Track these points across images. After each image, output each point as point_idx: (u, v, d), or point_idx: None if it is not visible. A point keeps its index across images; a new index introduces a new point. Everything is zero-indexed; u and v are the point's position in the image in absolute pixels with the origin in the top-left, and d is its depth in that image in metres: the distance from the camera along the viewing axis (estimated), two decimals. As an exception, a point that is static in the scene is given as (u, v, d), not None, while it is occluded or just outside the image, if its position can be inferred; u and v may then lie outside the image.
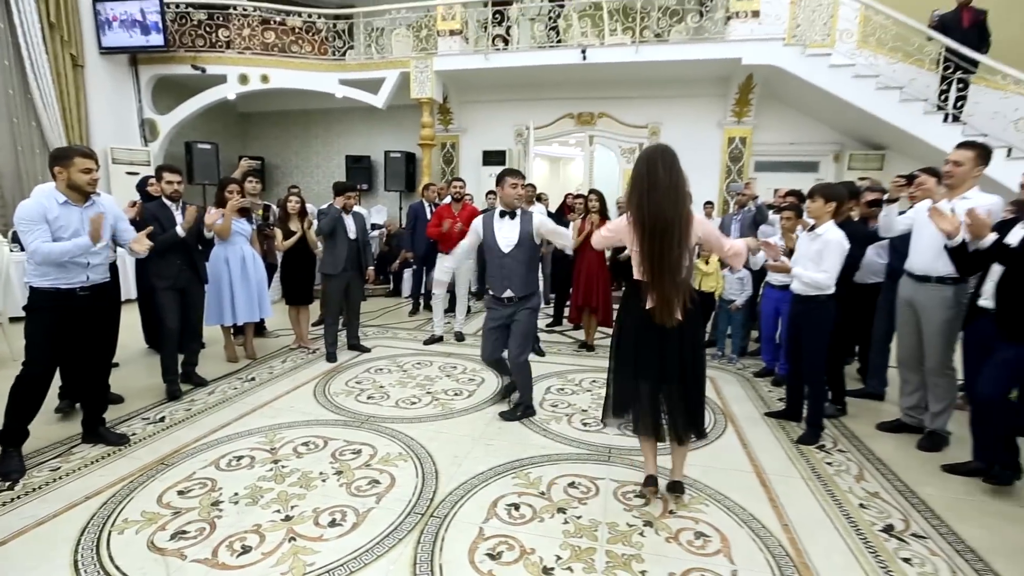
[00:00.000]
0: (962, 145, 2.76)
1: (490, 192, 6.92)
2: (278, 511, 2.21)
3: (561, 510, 2.26)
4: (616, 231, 2.25)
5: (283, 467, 2.59)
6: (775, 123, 7.58)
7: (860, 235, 3.29)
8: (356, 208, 4.63)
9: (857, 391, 3.66)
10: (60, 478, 2.47)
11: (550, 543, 2.03)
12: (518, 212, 3.14)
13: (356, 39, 8.07)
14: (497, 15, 7.39)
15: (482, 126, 8.59)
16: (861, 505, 2.36)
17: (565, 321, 5.57)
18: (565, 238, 3.35)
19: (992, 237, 2.36)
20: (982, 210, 2.40)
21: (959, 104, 6.16)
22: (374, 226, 7.93)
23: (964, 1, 6.03)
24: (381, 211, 8.99)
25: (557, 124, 8.40)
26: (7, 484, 2.40)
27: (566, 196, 6.94)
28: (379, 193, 9.27)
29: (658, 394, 2.22)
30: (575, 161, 13.63)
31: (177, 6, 7.66)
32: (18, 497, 2.31)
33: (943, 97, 6.23)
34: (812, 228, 2.98)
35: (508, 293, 3.10)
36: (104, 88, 7.49)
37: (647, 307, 2.10)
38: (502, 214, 3.14)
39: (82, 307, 2.62)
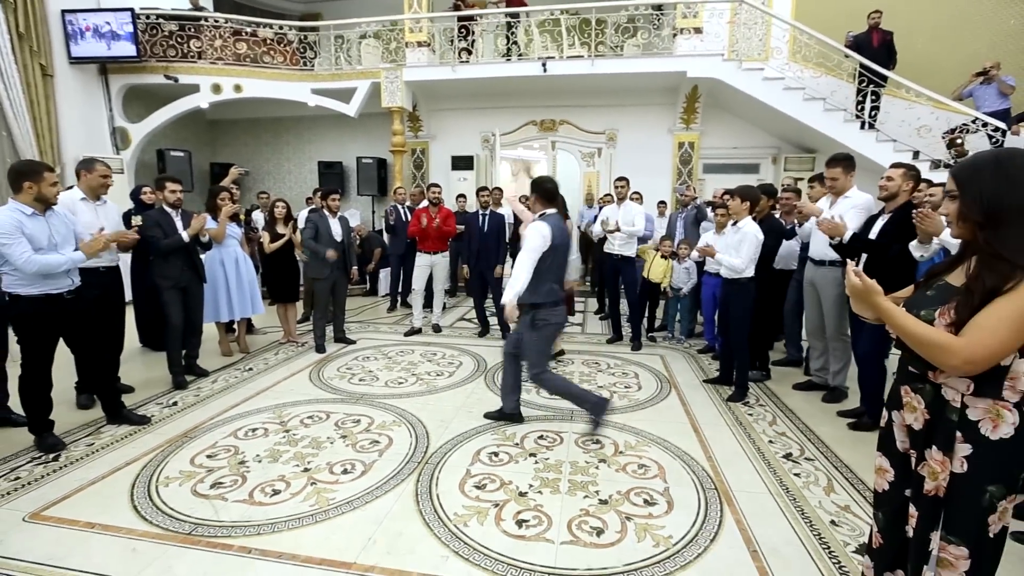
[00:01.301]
0: (830, 162, 3.42)
1: (460, 195, 7.42)
2: (297, 465, 2.65)
3: (532, 455, 2.78)
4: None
5: (294, 435, 3.01)
6: (720, 129, 8.33)
7: (776, 230, 3.95)
8: (340, 212, 5.04)
9: (781, 360, 4.33)
10: (97, 451, 2.83)
11: (524, 477, 2.54)
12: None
13: (325, 50, 8.39)
14: (463, 28, 7.88)
15: (450, 133, 9.05)
16: (770, 442, 2.97)
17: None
18: None
19: (849, 234, 3.00)
20: (847, 210, 3.10)
21: (873, 113, 7.01)
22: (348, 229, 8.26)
23: (873, 24, 6.89)
24: (354, 215, 9.32)
25: (521, 131, 8.94)
26: (52, 456, 2.76)
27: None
28: (352, 197, 9.59)
29: None
30: (540, 164, 14.23)
31: (148, 17, 7.81)
32: (63, 467, 2.67)
33: (860, 107, 7.07)
34: (735, 223, 3.60)
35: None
36: (74, 97, 7.57)
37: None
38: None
39: (72, 308, 2.82)
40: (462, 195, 7.41)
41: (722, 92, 7.56)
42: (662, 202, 7.49)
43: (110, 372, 3.25)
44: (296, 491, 2.40)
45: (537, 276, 2.87)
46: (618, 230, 4.76)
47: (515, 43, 8.00)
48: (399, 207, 6.50)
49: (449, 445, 2.88)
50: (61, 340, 2.89)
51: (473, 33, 7.97)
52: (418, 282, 5.36)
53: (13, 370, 3.01)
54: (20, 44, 6.89)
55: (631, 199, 5.07)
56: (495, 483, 2.48)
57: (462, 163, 8.87)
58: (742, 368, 3.64)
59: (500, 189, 6.79)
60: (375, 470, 2.61)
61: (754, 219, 3.57)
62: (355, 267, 5.16)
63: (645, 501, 2.35)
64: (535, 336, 2.95)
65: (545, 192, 3.03)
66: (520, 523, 2.17)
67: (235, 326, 4.85)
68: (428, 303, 5.92)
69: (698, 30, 7.40)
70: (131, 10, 7.44)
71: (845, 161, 3.36)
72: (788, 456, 2.80)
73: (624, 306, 5.20)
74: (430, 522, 2.18)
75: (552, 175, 9.36)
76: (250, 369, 4.28)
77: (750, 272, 3.46)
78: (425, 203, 5.74)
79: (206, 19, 8.06)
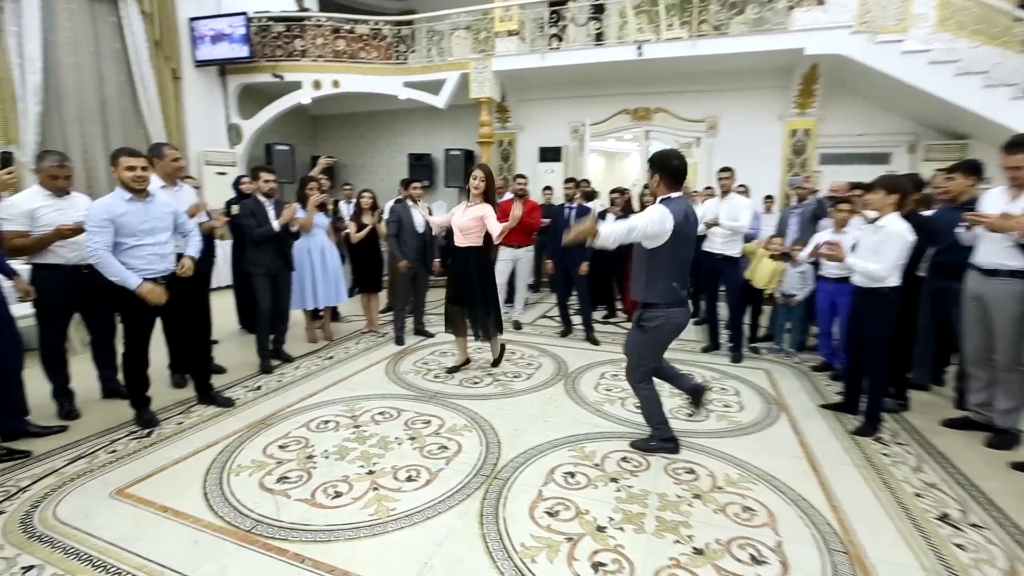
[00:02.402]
0: (1013, 147, 2.67)
1: (546, 188, 7.14)
2: (362, 466, 2.54)
3: (614, 480, 2.45)
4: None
5: (364, 431, 2.92)
6: (842, 114, 7.31)
7: (928, 229, 3.23)
8: (422, 203, 4.97)
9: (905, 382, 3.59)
10: (185, 430, 2.93)
11: (604, 507, 2.23)
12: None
13: (418, 43, 8.47)
14: (553, 15, 7.56)
15: (539, 123, 8.79)
16: (916, 494, 2.39)
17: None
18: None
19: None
20: None
21: (1052, 89, 5.74)
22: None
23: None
24: (441, 207, 9.39)
25: (613, 120, 8.46)
26: (146, 432, 2.89)
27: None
28: (439, 189, 9.68)
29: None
30: (631, 156, 13.58)
31: (259, 20, 8.33)
32: (154, 444, 2.77)
33: (1033, 82, 5.82)
34: (874, 220, 2.98)
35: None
36: (198, 97, 8.27)
37: None
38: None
39: (168, 292, 2.88)
40: (548, 187, 7.13)
41: (847, 71, 6.59)
42: (769, 197, 6.72)
43: (197, 354, 3.33)
44: (357, 496, 2.28)
45: (651, 271, 2.47)
46: (716, 224, 4.23)
47: (608, 27, 7.54)
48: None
49: (522, 459, 2.62)
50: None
51: (564, 19, 7.62)
52: (500, 276, 5.15)
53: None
54: (156, 51, 7.62)
55: (736, 192, 4.50)
56: (570, 511, 2.19)
57: (550, 154, 8.58)
58: (875, 395, 3.02)
59: (588, 181, 6.45)
60: (440, 480, 2.42)
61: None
62: (437, 259, 5.06)
63: (752, 558, 1.93)
64: (639, 338, 2.60)
65: (672, 171, 2.45)
66: (596, 566, 1.86)
67: (321, 314, 4.96)
68: (509, 298, 5.73)
69: (820, 0, 6.49)
70: (244, 14, 7.96)
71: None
72: (944, 518, 2.21)
73: (724, 311, 4.65)
74: (494, 551, 1.93)
75: (644, 168, 8.79)
76: (331, 357, 4.33)
77: (894, 280, 2.84)
78: (509, 195, 5.54)
79: (309, 19, 8.45)
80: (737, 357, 4.34)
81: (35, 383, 2.98)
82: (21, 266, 3.07)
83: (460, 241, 3.75)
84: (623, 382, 3.74)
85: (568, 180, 5.07)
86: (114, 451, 2.70)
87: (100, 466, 2.55)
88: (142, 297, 2.75)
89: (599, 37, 7.52)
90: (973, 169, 3.26)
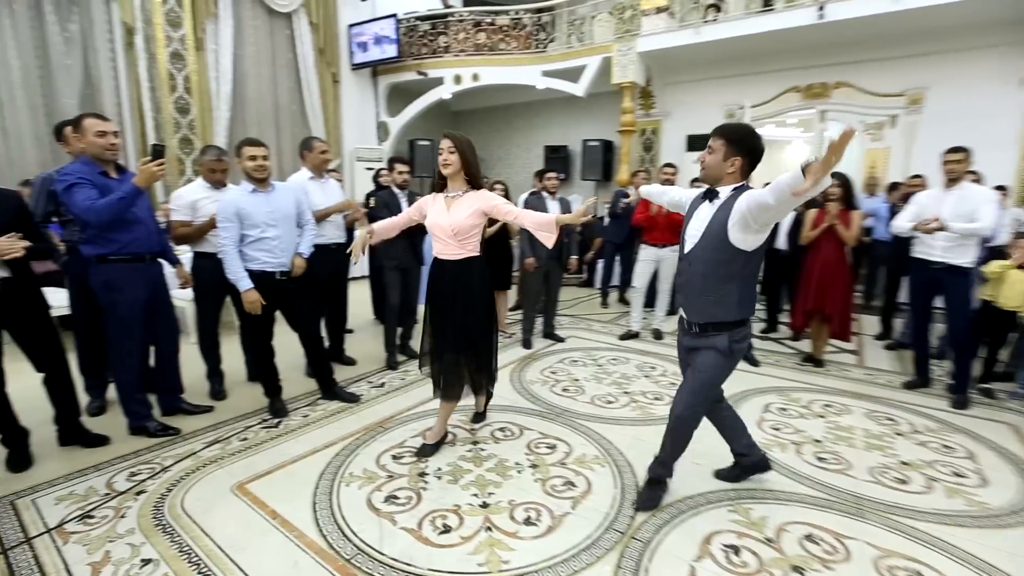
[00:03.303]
0: None
1: (695, 180, 6.31)
2: (475, 495, 2.22)
3: (798, 569, 1.81)
4: None
5: (481, 450, 2.62)
6: None
7: None
8: (563, 197, 4.59)
9: None
10: (309, 424, 2.91)
11: (785, 607, 1.63)
12: (721, 191, 1.91)
13: (558, 30, 8.11)
14: (713, -18, 6.64)
15: (687, 108, 7.91)
16: None
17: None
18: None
19: None
20: None
21: None
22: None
23: None
24: (576, 200, 8.96)
25: (778, 100, 7.27)
26: (275, 422, 2.93)
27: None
28: (575, 182, 9.26)
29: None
30: (791, 145, 11.85)
31: (408, 20, 8.63)
32: (279, 436, 2.77)
33: None
34: None
35: (682, 312, 2.09)
36: (353, 98, 8.86)
37: None
38: (706, 194, 1.96)
39: (282, 288, 2.91)
40: (697, 179, 6.30)
41: None
42: (1001, 188, 5.18)
43: (316, 351, 3.29)
44: (467, 535, 1.96)
45: (745, 281, 1.92)
46: (941, 228, 3.17)
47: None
48: (633, 191, 5.77)
49: (666, 515, 2.10)
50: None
51: (725, -15, 6.65)
52: (640, 279, 4.58)
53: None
54: (320, 58, 8.29)
55: (971, 180, 3.38)
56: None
57: (700, 143, 7.64)
58: None
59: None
60: (565, 528, 2.01)
61: None
62: (574, 256, 4.64)
63: None
64: (723, 364, 1.98)
65: (757, 154, 1.87)
66: None
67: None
68: (650, 302, 5.12)
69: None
70: (395, 15, 8.30)
71: None
72: None
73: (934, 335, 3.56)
74: (632, 652, 1.47)
75: (818, 154, 7.43)
76: (455, 357, 4.16)
77: None
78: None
79: (453, 15, 8.55)
80: (962, 401, 3.26)
81: (187, 364, 3.18)
82: (184, 255, 3.31)
83: (443, 252, 2.45)
84: (795, 420, 3.01)
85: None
86: (245, 439, 2.75)
87: (230, 454, 2.58)
88: (244, 300, 2.80)
89: (767, 2, 6.43)
90: None
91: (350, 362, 3.90)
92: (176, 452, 2.61)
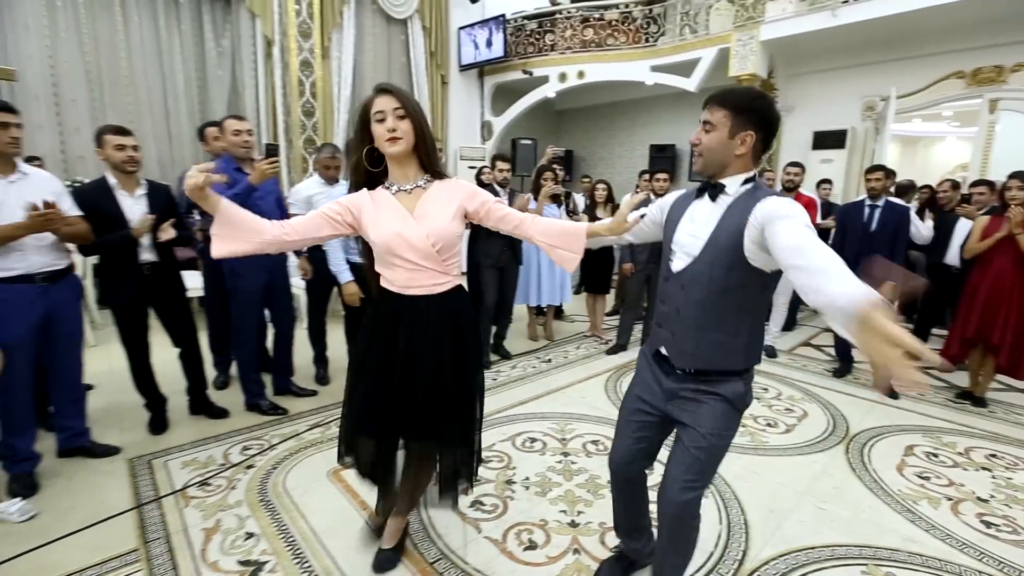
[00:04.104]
0: None
1: (823, 181, 5.62)
2: (564, 511, 2.09)
3: (957, 655, 1.47)
4: None
5: (572, 462, 2.49)
6: None
7: None
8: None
9: None
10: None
11: None
12: (727, 183, 1.35)
13: (670, 22, 7.68)
14: (856, -43, 5.87)
15: (815, 101, 7.12)
16: None
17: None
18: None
19: None
20: None
21: None
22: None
23: None
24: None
25: (934, 88, 6.27)
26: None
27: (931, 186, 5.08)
28: (682, 183, 8.74)
29: None
30: (944, 141, 10.30)
31: (515, 20, 8.67)
32: (373, 427, 2.84)
33: None
34: None
35: (663, 350, 1.47)
36: (460, 99, 9.09)
37: None
38: (703, 189, 1.41)
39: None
40: (826, 181, 5.63)
41: None
42: None
43: None
44: (554, 555, 1.84)
45: (757, 315, 1.39)
46: None
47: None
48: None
49: (783, 566, 1.81)
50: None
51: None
52: (766, 322, 4.16)
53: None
54: (431, 60, 8.62)
55: None
56: None
57: (829, 140, 6.87)
58: None
59: (894, 172, 4.81)
60: (661, 561, 1.81)
61: None
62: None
63: None
64: (735, 421, 1.41)
65: (771, 122, 1.32)
66: None
67: (544, 311, 4.77)
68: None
69: None
70: (502, 16, 8.37)
71: None
72: None
73: None
74: None
75: (984, 151, 6.30)
76: (548, 360, 4.05)
77: None
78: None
79: (560, 12, 8.44)
80: None
81: (298, 349, 3.38)
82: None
83: (411, 284, 1.51)
84: (949, 470, 2.52)
85: (874, 168, 3.65)
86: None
87: (328, 439, 2.69)
88: (343, 292, 2.95)
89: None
90: None
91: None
92: (282, 432, 2.77)
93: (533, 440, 2.70)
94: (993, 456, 2.66)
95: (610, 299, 5.13)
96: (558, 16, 8.40)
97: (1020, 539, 2.01)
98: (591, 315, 4.82)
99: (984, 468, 2.54)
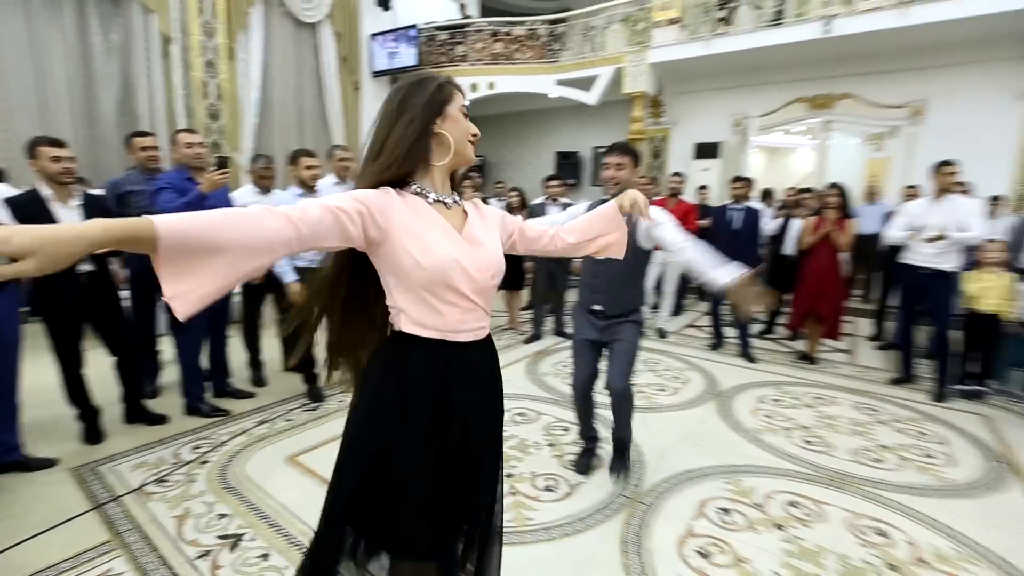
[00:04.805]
0: None
1: (702, 187, 6.59)
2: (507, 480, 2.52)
3: (779, 527, 2.10)
4: None
5: (505, 431, 2.92)
6: (1121, 89, 5.58)
7: None
8: (565, 201, 4.88)
9: None
10: (344, 409, 3.20)
11: (768, 557, 1.91)
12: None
13: (572, 40, 8.42)
14: (722, -3, 6.93)
15: (696, 117, 8.19)
16: None
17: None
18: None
19: None
20: None
21: None
22: (578, 220, 8.24)
23: None
24: (584, 206, 9.27)
25: (784, 110, 7.53)
26: (315, 406, 3.25)
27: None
28: (585, 188, 9.55)
29: None
30: (797, 152, 12.08)
31: (427, 31, 8.98)
32: (320, 418, 3.10)
33: None
34: None
35: (597, 307, 2.36)
36: (372, 105, 9.20)
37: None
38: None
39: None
40: (704, 186, 6.58)
41: None
42: (995, 198, 5.42)
43: None
44: (495, 498, 2.26)
45: (642, 275, 2.44)
46: (941, 238, 3.43)
47: (786, 5, 6.68)
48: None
49: (668, 484, 2.40)
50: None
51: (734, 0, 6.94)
52: (648, 280, 4.87)
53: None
54: (342, 66, 8.65)
55: (959, 192, 3.64)
56: (726, 555, 1.92)
57: (706, 151, 7.95)
58: None
59: (751, 179, 5.79)
60: (580, 495, 2.31)
61: None
62: (578, 259, 4.94)
63: (982, 668, 1.50)
64: (637, 338, 2.39)
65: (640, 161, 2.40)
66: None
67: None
68: (656, 303, 5.41)
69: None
70: (414, 26, 8.65)
71: None
72: None
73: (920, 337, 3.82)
74: (637, 587, 1.77)
75: (821, 163, 7.68)
76: (474, 351, 4.47)
77: None
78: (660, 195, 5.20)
79: (471, 25, 8.89)
80: (940, 395, 3.53)
81: (234, 353, 3.51)
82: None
83: (461, 325, 1.12)
84: (788, 410, 3.29)
85: (736, 179, 4.53)
86: (290, 419, 3.07)
87: (278, 432, 2.90)
88: (288, 291, 3.11)
89: (777, 16, 6.71)
90: None
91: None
92: (230, 430, 2.93)
93: (468, 417, 3.11)
94: (818, 398, 3.50)
95: (526, 295, 5.63)
96: (468, 29, 8.83)
97: (826, 451, 2.76)
98: (509, 310, 5.31)
99: (808, 406, 3.36)
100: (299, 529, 2.06)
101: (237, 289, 3.63)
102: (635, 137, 7.61)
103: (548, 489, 2.34)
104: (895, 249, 4.11)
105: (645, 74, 7.37)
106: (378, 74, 9.04)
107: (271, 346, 3.82)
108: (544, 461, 2.60)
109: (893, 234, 3.73)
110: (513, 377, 3.84)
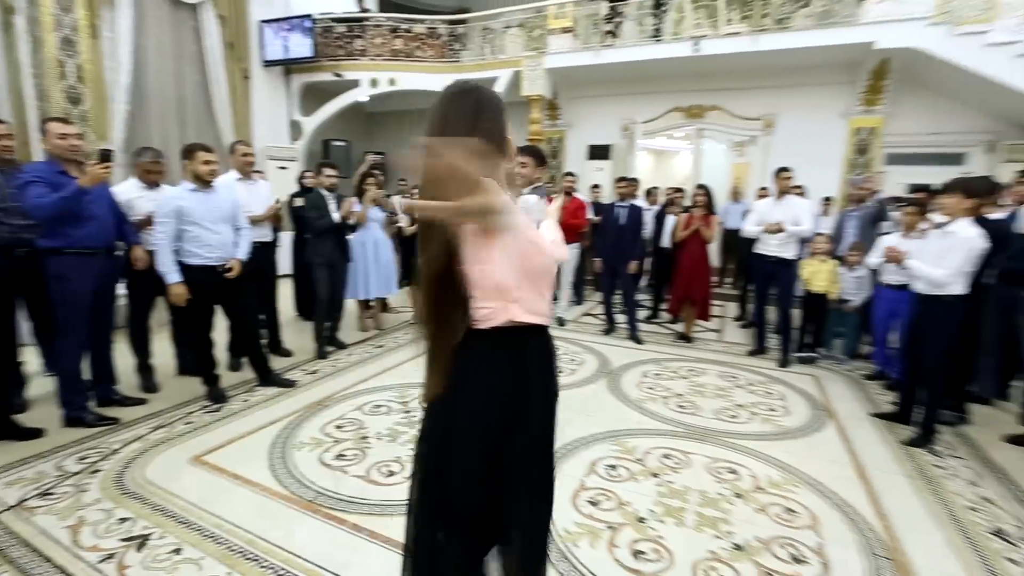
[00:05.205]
0: None
1: (595, 186, 7.14)
2: (413, 448, 2.68)
3: (655, 475, 2.49)
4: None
5: (413, 417, 3.08)
6: (913, 111, 6.93)
7: (1000, 234, 3.07)
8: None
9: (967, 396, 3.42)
10: (250, 407, 3.18)
11: (644, 499, 2.28)
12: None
13: (472, 41, 8.64)
14: (610, 11, 7.53)
15: (588, 121, 8.78)
16: (970, 508, 2.32)
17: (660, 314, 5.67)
18: None
19: None
20: None
21: None
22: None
23: None
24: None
25: (665, 118, 8.35)
26: (216, 406, 3.16)
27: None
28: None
29: None
30: (680, 155, 13.31)
31: (323, 21, 8.71)
32: (223, 418, 3.03)
33: None
34: (943, 225, 2.86)
35: None
36: (264, 96, 8.74)
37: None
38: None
39: (224, 280, 3.12)
40: (597, 185, 7.13)
41: (921, 65, 6.24)
42: (827, 198, 6.48)
43: (257, 339, 3.52)
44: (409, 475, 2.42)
45: None
46: (781, 230, 4.12)
47: (665, 22, 7.43)
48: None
49: (564, 450, 2.71)
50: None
51: (620, 15, 7.57)
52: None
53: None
54: (229, 52, 8.11)
55: (794, 193, 4.38)
56: (611, 501, 2.26)
57: (599, 152, 8.57)
58: (932, 406, 2.91)
59: (635, 179, 6.41)
60: (486, 465, 2.54)
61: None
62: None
63: (793, 557, 1.95)
64: None
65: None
66: (636, 554, 1.93)
67: (372, 304, 5.20)
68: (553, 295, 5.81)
69: (894, -9, 6.16)
70: (310, 16, 8.35)
71: None
72: (998, 533, 2.14)
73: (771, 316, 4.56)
74: (536, 534, 2.03)
75: (697, 166, 8.62)
76: (381, 346, 4.54)
77: (959, 288, 2.73)
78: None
79: (369, 19, 8.77)
80: (784, 361, 4.25)
81: (120, 358, 3.30)
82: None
83: (533, 313, 1.23)
84: (666, 381, 3.79)
85: (621, 179, 5.05)
86: (190, 422, 2.97)
87: (179, 435, 2.82)
88: (170, 291, 2.99)
89: (656, 33, 7.43)
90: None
91: (287, 353, 4.14)
92: (122, 438, 2.78)
93: (379, 406, 3.22)
94: (691, 370, 4.06)
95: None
96: (367, 23, 8.70)
97: (695, 412, 3.24)
98: (415, 305, 5.42)
99: (683, 377, 3.90)
100: (213, 523, 2.07)
101: (122, 290, 3.40)
102: (534, 138, 8.01)
103: (458, 463, 2.55)
104: (751, 241, 4.82)
105: (542, 78, 7.79)
106: (270, 63, 8.61)
107: (162, 349, 3.62)
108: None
109: (748, 228, 4.39)
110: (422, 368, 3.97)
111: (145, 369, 3.49)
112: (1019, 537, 2.11)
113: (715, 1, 7.16)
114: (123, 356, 3.39)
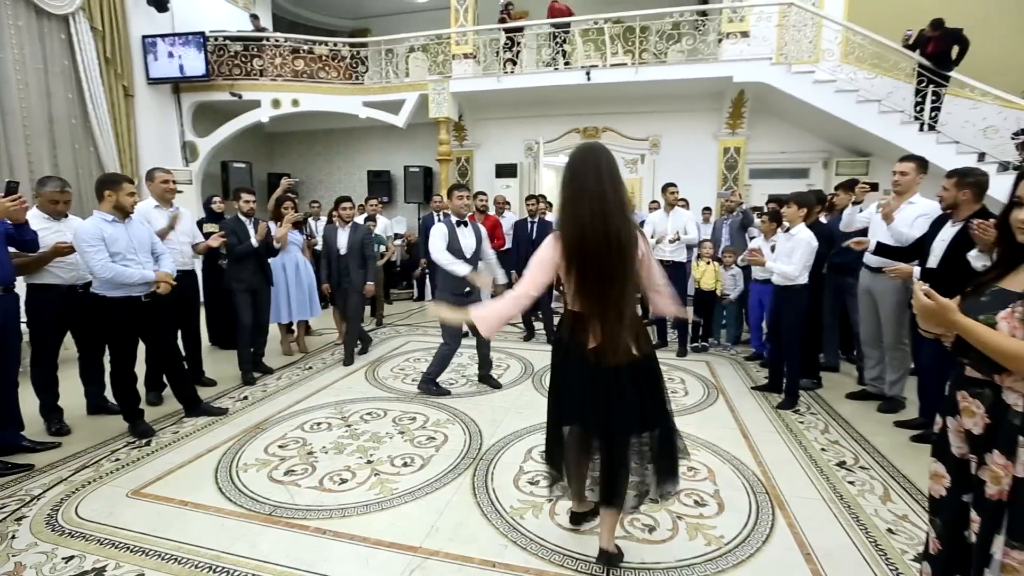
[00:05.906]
0: (904, 158, 3.38)
1: (504, 202, 7.56)
2: (361, 457, 2.84)
3: (582, 455, 2.86)
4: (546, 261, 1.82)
5: (356, 429, 3.21)
6: (767, 133, 8.19)
7: (826, 234, 3.89)
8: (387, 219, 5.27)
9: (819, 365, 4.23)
10: (182, 438, 3.11)
11: (575, 475, 2.63)
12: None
13: (375, 64, 8.78)
14: (508, 40, 8.08)
15: (494, 141, 9.26)
16: (823, 450, 2.95)
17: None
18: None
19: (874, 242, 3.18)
20: (911, 219, 3.08)
21: (934, 114, 6.73)
22: (396, 236, 8.61)
23: (933, 28, 6.57)
24: (401, 222, 9.67)
25: (564, 138, 9.04)
26: (144, 441, 3.06)
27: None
28: (399, 205, 9.94)
29: (613, 448, 1.84)
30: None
31: (216, 39, 8.39)
32: (154, 451, 2.95)
33: (919, 108, 6.81)
34: (787, 229, 3.58)
35: (467, 290, 3.78)
36: (151, 115, 8.21)
37: (590, 346, 1.76)
38: (458, 223, 3.80)
39: (148, 310, 3.07)
40: (506, 202, 7.56)
41: (770, 96, 7.44)
42: (707, 208, 7.45)
43: (180, 370, 3.44)
44: (362, 480, 2.58)
45: None
46: (677, 239, 4.77)
47: (561, 52, 8.14)
48: (435, 215, 6.67)
49: (502, 444, 3.00)
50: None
51: (519, 44, 8.15)
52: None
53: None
54: (107, 68, 7.54)
55: (679, 206, 5.09)
56: (548, 480, 2.58)
57: (506, 171, 9.06)
58: (793, 375, 3.61)
59: (544, 196, 6.93)
60: (433, 464, 2.76)
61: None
62: (370, 283, 4.71)
63: (696, 502, 2.40)
64: None
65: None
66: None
67: (294, 327, 5.15)
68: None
69: (744, 34, 7.32)
70: (202, 33, 8.02)
71: (920, 160, 3.33)
72: (842, 464, 2.78)
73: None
74: (488, 514, 2.30)
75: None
76: (310, 368, 4.55)
77: (804, 279, 3.44)
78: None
79: (267, 39, 8.59)
80: (683, 352, 4.90)
81: (22, 400, 3.07)
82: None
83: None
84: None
85: (530, 197, 5.52)
86: (117, 459, 2.87)
87: (107, 473, 2.72)
88: (161, 282, 3.03)
89: (552, 61, 8.10)
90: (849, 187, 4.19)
91: (211, 383, 4.02)
92: (42, 483, 2.63)
93: (318, 423, 3.30)
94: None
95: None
96: (265, 43, 8.52)
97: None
98: (338, 325, 5.43)
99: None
100: (172, 547, 2.10)
101: (24, 328, 3.17)
102: (443, 158, 8.31)
103: (406, 465, 2.75)
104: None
105: (447, 101, 8.13)
106: (156, 81, 8.12)
107: (69, 388, 3.40)
108: (398, 446, 2.98)
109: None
110: (355, 385, 4.09)
111: (52, 411, 3.26)
112: (856, 466, 2.75)
113: (602, 36, 7.99)
114: (26, 399, 3.16)
